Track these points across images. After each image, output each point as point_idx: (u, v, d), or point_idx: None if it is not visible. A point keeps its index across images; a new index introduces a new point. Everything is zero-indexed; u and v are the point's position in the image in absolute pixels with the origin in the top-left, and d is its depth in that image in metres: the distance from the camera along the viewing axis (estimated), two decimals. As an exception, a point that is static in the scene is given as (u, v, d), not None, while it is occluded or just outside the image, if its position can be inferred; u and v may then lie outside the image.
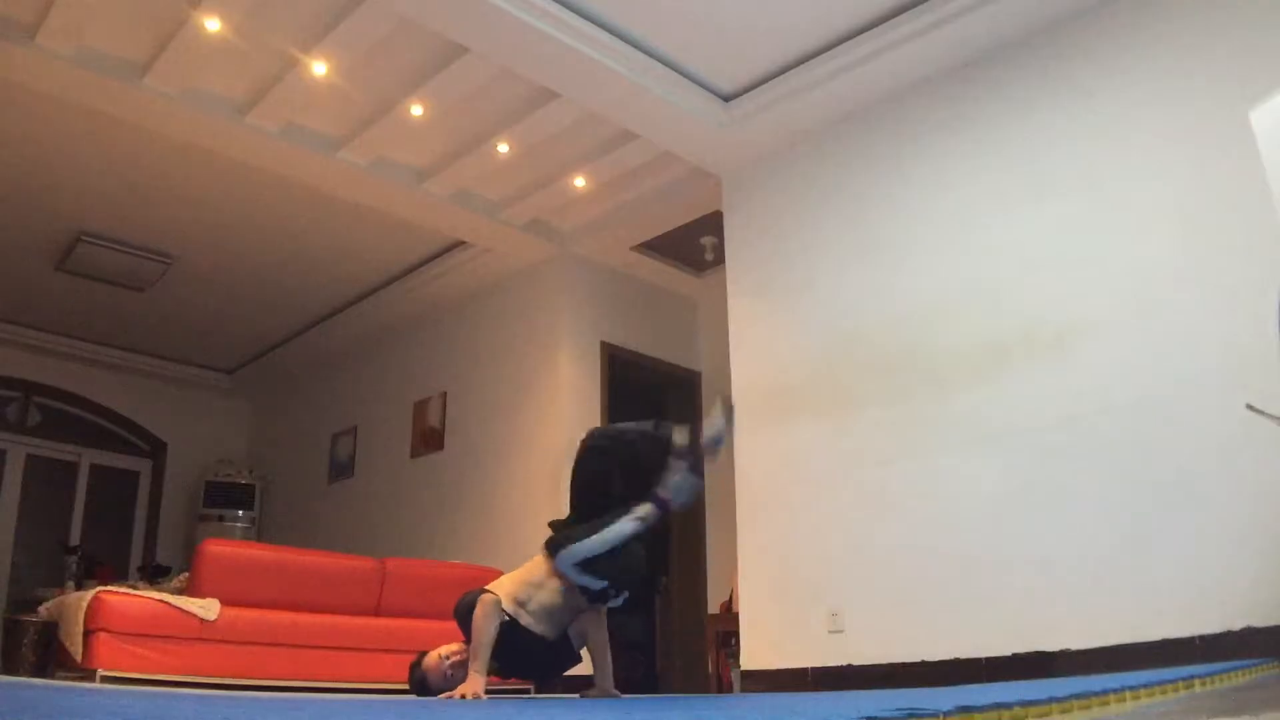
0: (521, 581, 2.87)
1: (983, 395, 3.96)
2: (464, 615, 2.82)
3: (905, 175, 4.46)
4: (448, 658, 2.83)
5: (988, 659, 3.64)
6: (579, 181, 5.53)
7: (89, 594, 3.94)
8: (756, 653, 4.46)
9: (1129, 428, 3.53)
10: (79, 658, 3.78)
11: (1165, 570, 3.33)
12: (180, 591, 4.28)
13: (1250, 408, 3.07)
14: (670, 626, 6.46)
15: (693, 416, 6.41)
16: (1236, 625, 3.13)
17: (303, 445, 8.18)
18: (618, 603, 2.95)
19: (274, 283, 6.94)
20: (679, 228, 5.93)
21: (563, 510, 3.02)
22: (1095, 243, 3.78)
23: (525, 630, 2.81)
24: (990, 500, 3.84)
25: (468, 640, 2.82)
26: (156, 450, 8.58)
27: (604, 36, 4.27)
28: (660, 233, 6.01)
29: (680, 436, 2.87)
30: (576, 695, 3.26)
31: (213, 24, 4.18)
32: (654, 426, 2.92)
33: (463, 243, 6.30)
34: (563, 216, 5.99)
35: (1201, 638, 3.18)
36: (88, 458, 8.17)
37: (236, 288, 7.00)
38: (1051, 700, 1.36)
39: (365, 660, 4.30)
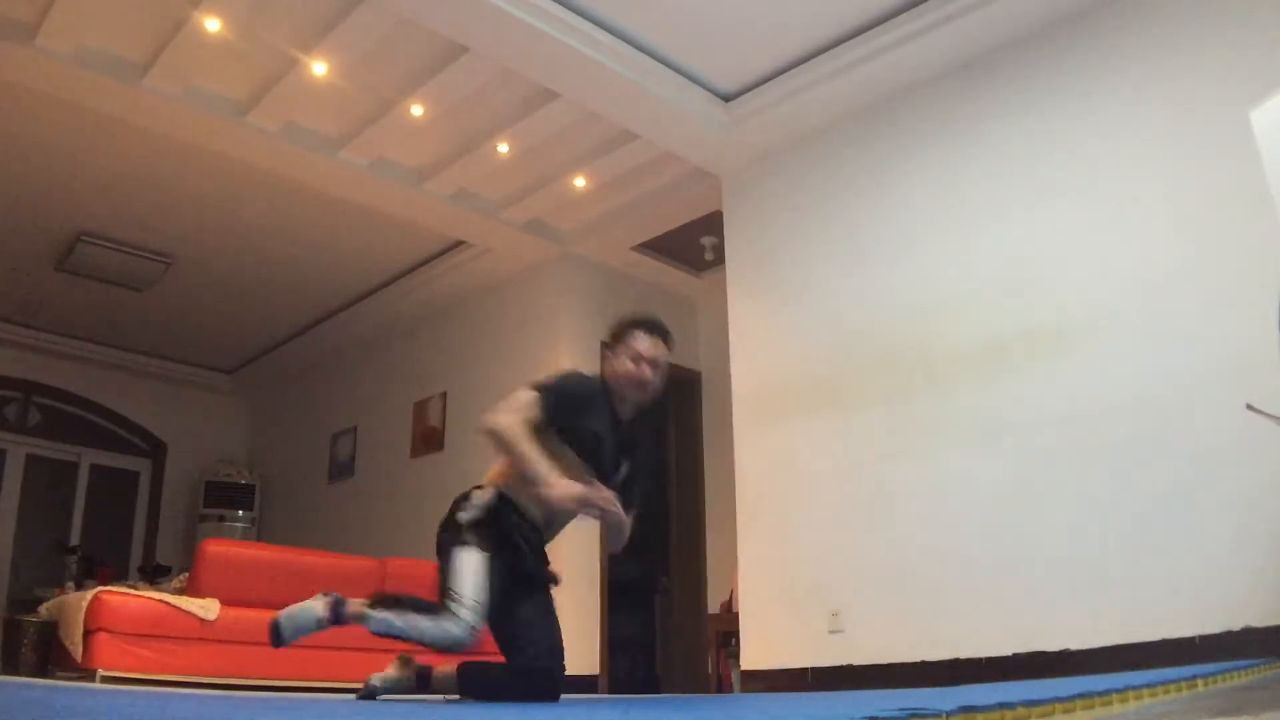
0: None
1: (983, 395, 3.96)
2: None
3: (905, 175, 4.46)
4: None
5: (988, 659, 3.64)
6: (579, 181, 5.53)
7: (89, 594, 3.95)
8: (756, 653, 4.46)
9: (1129, 427, 3.53)
10: (79, 658, 3.79)
11: (1165, 570, 3.33)
12: (180, 591, 4.29)
13: (1250, 408, 3.07)
14: (670, 626, 6.46)
15: (692, 422, 6.41)
16: (1236, 625, 3.13)
17: (303, 445, 8.18)
18: None
19: (274, 283, 6.94)
20: (679, 228, 5.93)
21: None
22: (1095, 243, 3.78)
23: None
24: (990, 500, 3.84)
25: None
26: (156, 450, 8.58)
27: (604, 36, 4.27)
28: (660, 233, 6.01)
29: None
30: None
31: (213, 24, 4.18)
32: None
33: (463, 243, 6.30)
34: (563, 216, 5.99)
35: (1202, 638, 3.18)
36: (88, 458, 8.17)
37: (236, 288, 7.00)
38: (1055, 700, 1.36)
39: (365, 660, 4.28)
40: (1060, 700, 1.38)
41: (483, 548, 2.48)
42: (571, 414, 2.59)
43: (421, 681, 2.63)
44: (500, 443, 2.47)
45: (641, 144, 5.11)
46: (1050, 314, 3.84)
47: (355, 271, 6.81)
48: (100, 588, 4.11)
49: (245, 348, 8.28)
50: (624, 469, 2.76)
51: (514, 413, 2.49)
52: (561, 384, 2.65)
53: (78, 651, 3.80)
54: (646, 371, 2.69)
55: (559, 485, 2.40)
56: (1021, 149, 4.09)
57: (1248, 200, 3.34)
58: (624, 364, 2.68)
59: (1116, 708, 1.54)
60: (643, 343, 2.71)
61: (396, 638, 2.44)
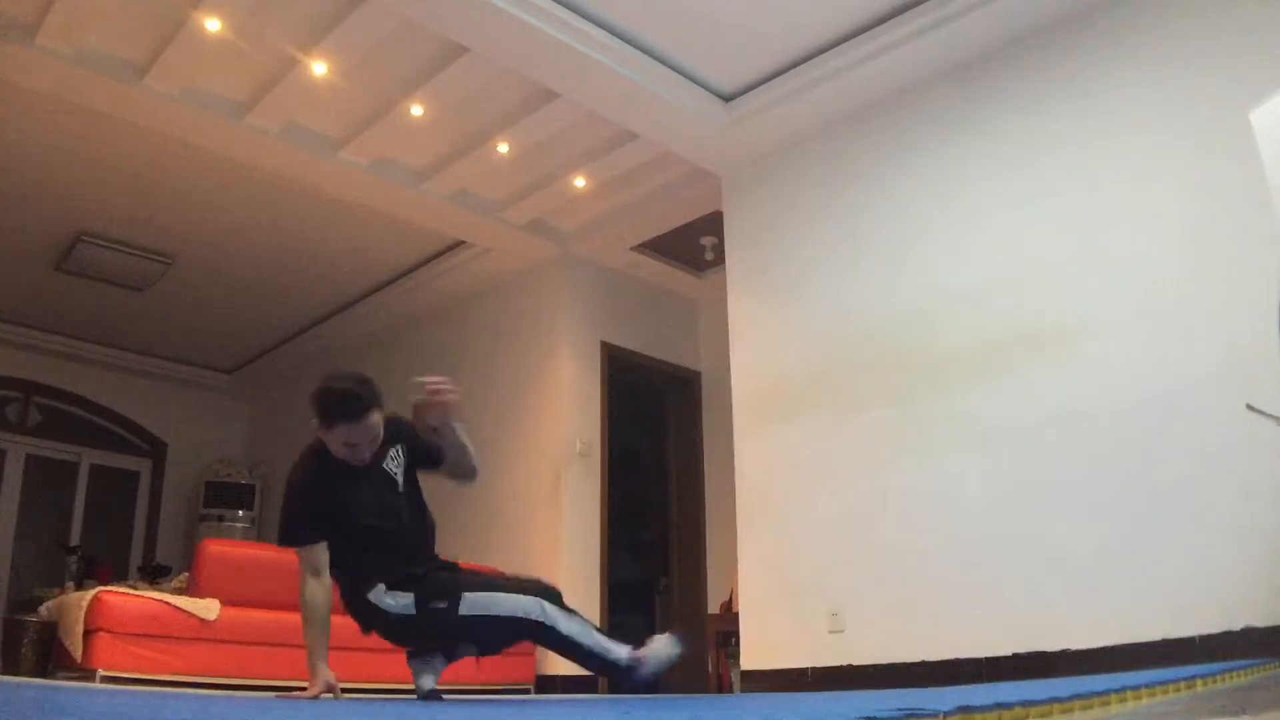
0: None
1: (983, 395, 3.96)
2: None
3: (905, 175, 4.46)
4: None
5: (988, 659, 3.64)
6: (579, 181, 5.53)
7: (89, 594, 3.95)
8: (756, 653, 4.46)
9: (1129, 427, 3.53)
10: (79, 658, 3.79)
11: (1165, 570, 3.33)
12: (180, 591, 4.29)
13: (1250, 408, 3.08)
14: (670, 626, 6.45)
15: (692, 422, 6.41)
16: (1236, 625, 3.13)
17: (303, 445, 8.16)
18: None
19: (274, 283, 6.94)
20: (679, 228, 5.93)
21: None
22: (1095, 243, 3.78)
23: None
24: (990, 500, 3.84)
25: None
26: (156, 450, 8.58)
27: (604, 36, 4.27)
28: (660, 233, 6.01)
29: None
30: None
31: (213, 24, 4.18)
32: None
33: (463, 243, 6.30)
34: (563, 216, 5.99)
35: (1201, 638, 3.18)
36: (88, 458, 8.16)
37: (236, 288, 7.00)
38: (1053, 700, 1.36)
39: (365, 660, 4.30)
40: (1059, 700, 1.38)
41: None
42: (322, 515, 2.60)
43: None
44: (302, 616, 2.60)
45: (641, 144, 5.11)
46: (1050, 314, 3.84)
47: (355, 272, 6.81)
48: (100, 588, 4.11)
49: (245, 348, 8.28)
50: (398, 461, 2.74)
51: (312, 576, 2.61)
52: (299, 509, 2.63)
53: (78, 651, 3.80)
54: (346, 454, 2.61)
55: (310, 688, 2.50)
56: (1021, 149, 4.09)
57: (1248, 200, 3.34)
58: (337, 447, 2.61)
59: (1116, 708, 1.54)
60: (327, 437, 2.61)
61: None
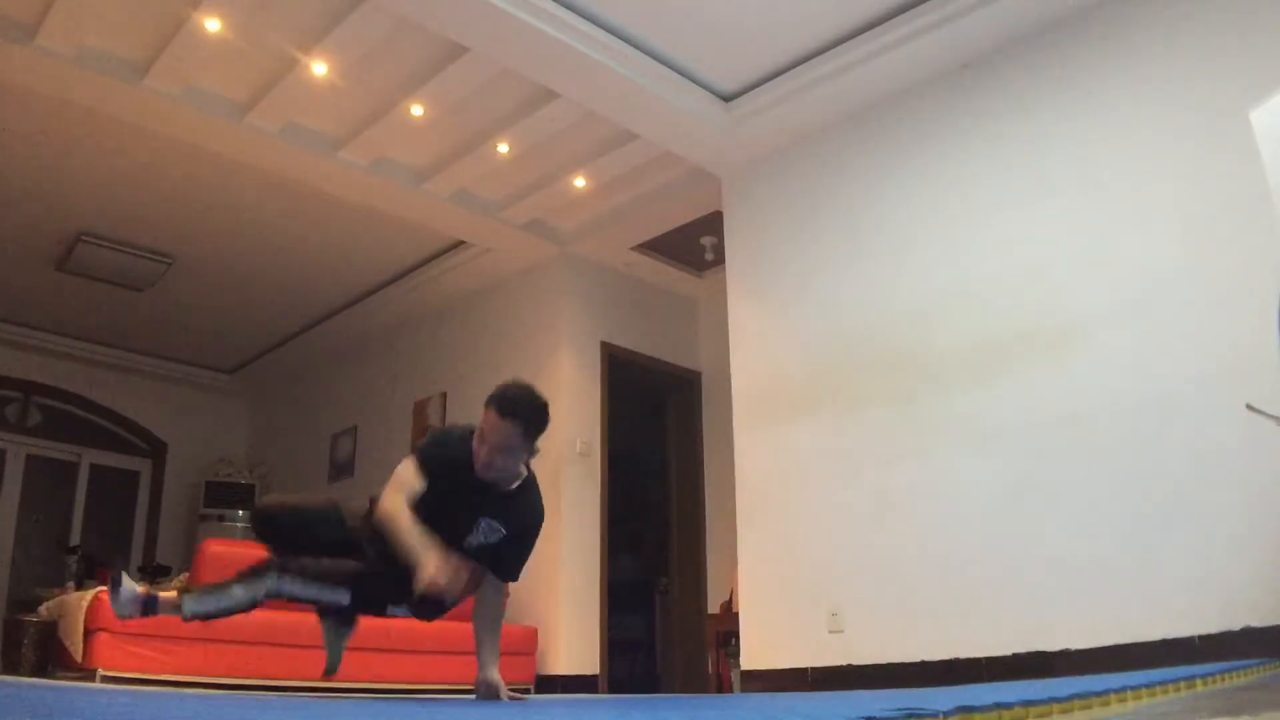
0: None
1: (983, 395, 3.96)
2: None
3: (905, 175, 4.46)
4: None
5: (987, 659, 3.64)
6: (579, 181, 5.53)
7: (89, 594, 3.95)
8: (756, 653, 4.46)
9: (1129, 427, 3.53)
10: (79, 658, 3.79)
11: (1165, 570, 3.33)
12: (180, 591, 4.28)
13: (1250, 408, 3.08)
14: (670, 626, 6.46)
15: (692, 422, 6.40)
16: (1236, 625, 3.13)
17: (303, 445, 8.17)
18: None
19: (274, 283, 6.94)
20: (679, 228, 5.93)
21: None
22: (1095, 242, 3.78)
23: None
24: (990, 500, 3.84)
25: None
26: (156, 450, 8.58)
27: (604, 36, 4.27)
28: (660, 233, 6.01)
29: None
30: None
31: (213, 24, 4.18)
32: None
33: (463, 243, 6.30)
34: (563, 216, 5.99)
35: (1201, 638, 3.18)
36: (88, 458, 8.16)
37: (236, 288, 7.00)
38: (1052, 700, 1.36)
39: (365, 660, 4.30)
40: (1058, 700, 1.38)
41: None
42: (431, 476, 2.58)
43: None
44: (386, 530, 2.50)
45: (641, 144, 5.11)
46: (1050, 314, 3.84)
47: (355, 271, 6.81)
48: (100, 588, 4.11)
49: (245, 348, 8.28)
50: (483, 532, 2.66)
51: (396, 491, 2.53)
52: (426, 447, 2.67)
53: (78, 651, 3.80)
54: (483, 452, 2.57)
55: (426, 567, 2.39)
56: (1022, 149, 4.09)
57: (1248, 200, 3.34)
58: (478, 436, 2.58)
59: (1115, 708, 1.54)
60: (489, 420, 2.57)
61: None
